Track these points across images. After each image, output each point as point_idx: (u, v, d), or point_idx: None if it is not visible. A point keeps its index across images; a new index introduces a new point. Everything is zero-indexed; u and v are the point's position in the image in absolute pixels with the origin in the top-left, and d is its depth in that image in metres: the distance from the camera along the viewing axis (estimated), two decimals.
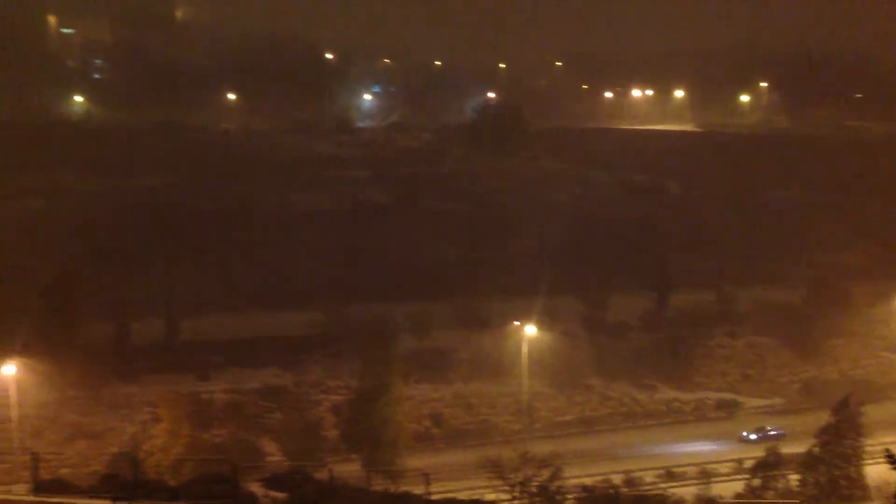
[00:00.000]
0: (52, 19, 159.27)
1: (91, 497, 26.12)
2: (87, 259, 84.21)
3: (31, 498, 25.37)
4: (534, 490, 33.03)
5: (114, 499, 22.92)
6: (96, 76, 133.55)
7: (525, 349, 66.46)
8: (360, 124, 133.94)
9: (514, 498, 26.06)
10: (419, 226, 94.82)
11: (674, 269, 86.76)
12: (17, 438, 59.82)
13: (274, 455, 62.69)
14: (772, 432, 71.37)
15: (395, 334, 74.45)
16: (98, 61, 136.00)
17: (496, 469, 33.04)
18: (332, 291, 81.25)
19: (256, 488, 31.12)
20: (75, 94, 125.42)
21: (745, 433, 72.57)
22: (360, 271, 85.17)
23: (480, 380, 74.63)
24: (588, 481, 42.53)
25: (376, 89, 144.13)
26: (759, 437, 70.29)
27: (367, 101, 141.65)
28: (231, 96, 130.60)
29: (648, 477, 58.08)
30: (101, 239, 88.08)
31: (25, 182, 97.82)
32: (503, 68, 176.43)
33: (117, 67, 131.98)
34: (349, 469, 55.86)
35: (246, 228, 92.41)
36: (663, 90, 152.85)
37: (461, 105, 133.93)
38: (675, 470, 61.72)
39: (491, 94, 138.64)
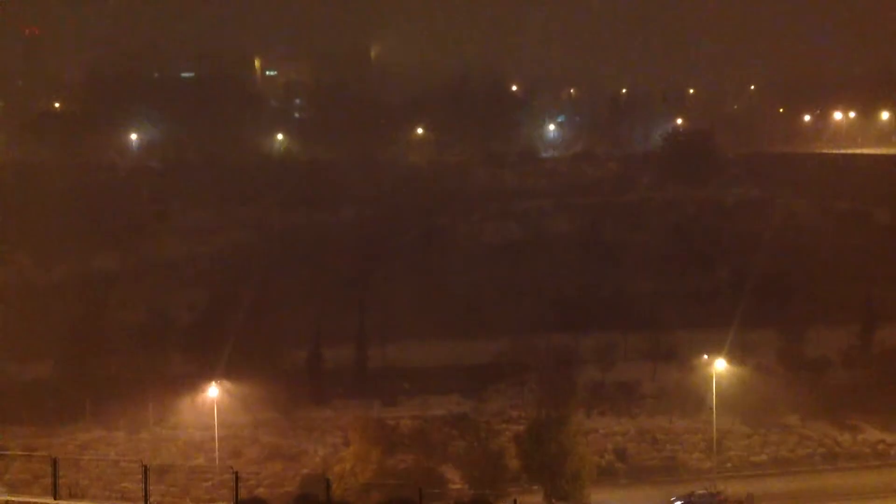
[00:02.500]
0: (257, 62, 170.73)
1: None
2: (287, 288, 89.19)
3: None
4: None
5: None
6: (297, 115, 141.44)
7: (715, 384, 63.88)
8: (545, 154, 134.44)
9: None
10: (605, 256, 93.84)
11: (880, 302, 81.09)
12: (218, 457, 63.58)
13: (456, 483, 63.22)
14: None
15: (578, 365, 73.78)
16: (298, 101, 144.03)
17: None
18: (519, 322, 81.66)
19: None
20: (278, 133, 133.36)
21: None
22: (545, 301, 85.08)
23: (667, 414, 72.34)
24: None
25: (561, 119, 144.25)
26: None
27: (552, 131, 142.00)
28: (420, 131, 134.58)
29: None
30: (300, 268, 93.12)
31: (233, 215, 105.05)
32: (692, 94, 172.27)
33: (316, 106, 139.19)
34: (530, 501, 55.57)
35: (436, 259, 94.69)
36: (867, 112, 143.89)
37: (648, 133, 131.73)
38: None
39: (679, 121, 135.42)
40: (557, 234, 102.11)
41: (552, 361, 74.36)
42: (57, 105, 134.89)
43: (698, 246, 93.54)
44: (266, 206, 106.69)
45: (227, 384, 66.94)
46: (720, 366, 64.96)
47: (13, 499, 27.57)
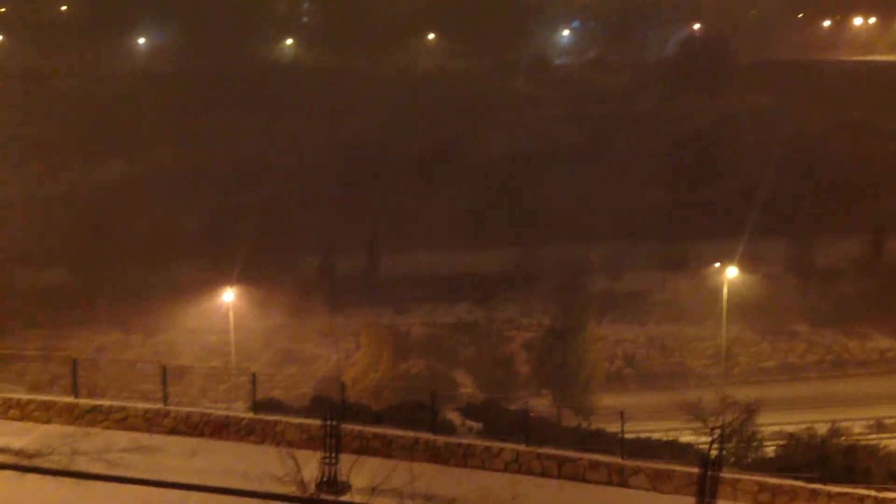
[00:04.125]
0: None
1: (303, 417, 27.74)
2: (296, 196, 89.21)
3: (250, 415, 27.27)
4: (731, 434, 32.17)
5: (323, 419, 24.23)
6: (304, 19, 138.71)
7: (725, 292, 64.15)
8: (558, 62, 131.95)
9: (711, 441, 25.39)
10: (616, 166, 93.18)
11: (892, 212, 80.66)
12: (235, 360, 64.71)
13: (467, 387, 64.37)
14: None
15: (588, 274, 74.10)
16: (307, 4, 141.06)
17: (693, 411, 32.31)
18: (530, 230, 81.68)
19: (453, 417, 32.14)
20: (286, 39, 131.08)
21: None
22: (556, 211, 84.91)
23: (676, 322, 72.97)
24: (790, 429, 40.83)
25: (575, 24, 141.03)
26: None
27: (565, 37, 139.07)
28: (431, 37, 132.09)
29: (857, 427, 54.96)
30: (308, 177, 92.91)
31: (239, 125, 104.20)
32: None
33: (324, 11, 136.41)
34: (540, 404, 56.58)
35: (445, 168, 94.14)
36: (890, 17, 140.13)
37: (663, 39, 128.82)
38: (887, 421, 58.12)
39: (695, 26, 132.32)
40: (568, 143, 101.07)
41: (562, 270, 74.61)
42: (63, 8, 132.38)
43: (709, 156, 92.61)
44: (273, 115, 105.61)
45: (241, 290, 67.55)
46: (731, 274, 65.08)
47: (34, 398, 28.10)
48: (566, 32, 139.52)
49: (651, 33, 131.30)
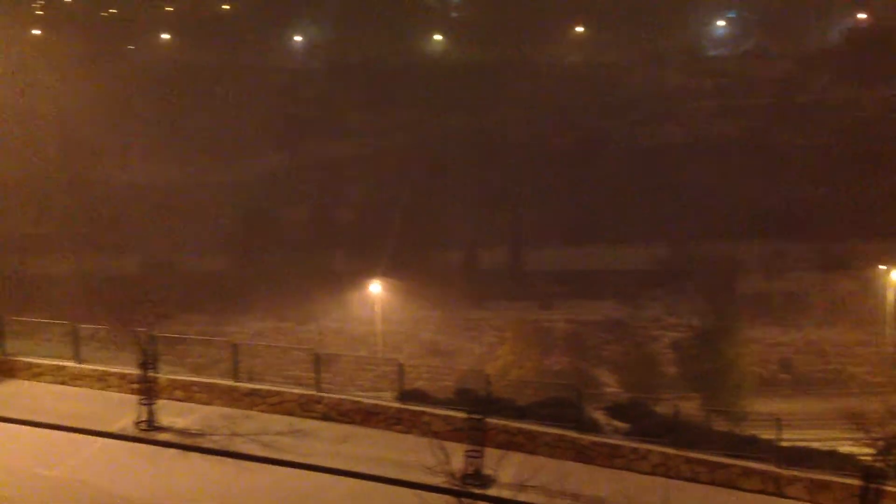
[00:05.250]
0: None
1: (448, 409, 27.92)
2: (443, 190, 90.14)
3: (398, 405, 27.69)
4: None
5: (469, 412, 24.30)
6: (454, 15, 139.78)
7: (891, 296, 60.49)
8: (713, 53, 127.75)
9: (875, 453, 23.95)
10: (773, 161, 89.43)
11: None
12: (381, 351, 66.09)
13: (611, 386, 63.39)
14: None
15: (742, 273, 71.49)
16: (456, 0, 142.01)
17: (855, 421, 30.56)
18: (678, 227, 79.57)
19: (598, 416, 31.67)
20: (435, 34, 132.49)
21: None
22: (707, 207, 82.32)
23: (836, 326, 69.46)
24: None
25: (731, 14, 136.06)
26: None
27: (720, 27, 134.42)
28: (580, 29, 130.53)
29: None
30: (455, 171, 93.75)
31: (389, 119, 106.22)
32: None
33: (474, 5, 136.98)
34: (687, 407, 54.98)
35: (592, 161, 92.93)
36: None
37: (826, 29, 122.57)
38: None
39: (861, 16, 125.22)
40: (722, 136, 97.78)
41: (714, 269, 72.30)
42: (226, 7, 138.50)
43: (874, 150, 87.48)
44: (423, 109, 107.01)
45: (388, 282, 68.89)
46: None
47: (197, 380, 29.41)
48: (721, 23, 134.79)
49: (812, 22, 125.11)
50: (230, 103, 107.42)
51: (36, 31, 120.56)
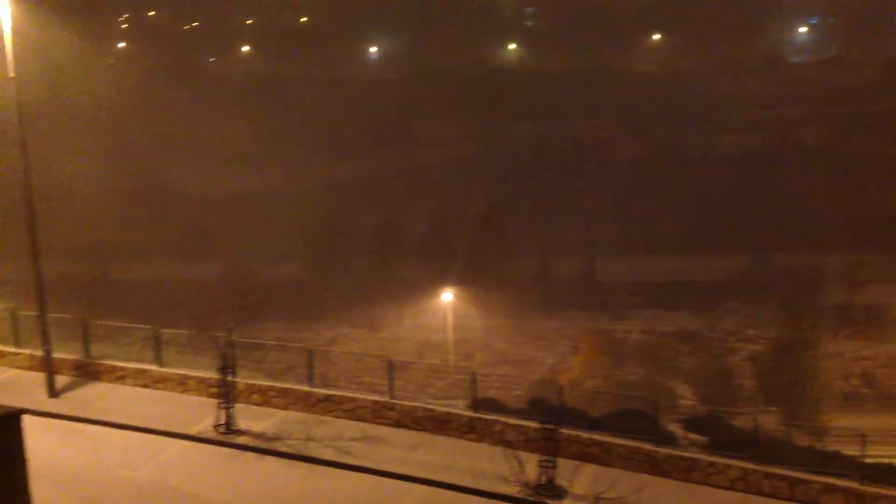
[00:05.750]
0: None
1: (520, 418, 27.81)
2: (511, 200, 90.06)
3: (470, 413, 27.67)
4: None
5: (542, 421, 24.17)
6: (529, 24, 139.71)
7: None
8: (794, 59, 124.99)
9: None
10: (855, 170, 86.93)
11: None
12: (452, 358, 66.19)
13: (686, 398, 62.28)
14: None
15: (824, 285, 69.59)
16: (530, 9, 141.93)
17: None
18: (756, 237, 77.96)
19: (674, 429, 31.14)
20: (510, 42, 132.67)
21: None
22: (788, 217, 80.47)
23: None
24: None
25: (812, 21, 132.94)
26: None
27: (802, 34, 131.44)
28: (656, 37, 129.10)
29: None
30: (527, 180, 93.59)
31: (460, 129, 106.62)
32: None
33: (548, 14, 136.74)
34: (766, 421, 53.66)
35: (667, 170, 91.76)
36: None
37: None
38: None
39: None
40: (804, 145, 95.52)
41: (794, 280, 70.52)
42: (304, 19, 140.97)
43: None
44: (495, 117, 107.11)
45: (460, 290, 69.01)
46: None
47: (274, 384, 29.86)
48: (803, 29, 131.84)
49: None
50: (306, 113, 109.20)
51: (121, 45, 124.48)
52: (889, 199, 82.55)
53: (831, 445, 37.00)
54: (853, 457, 27.43)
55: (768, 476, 25.34)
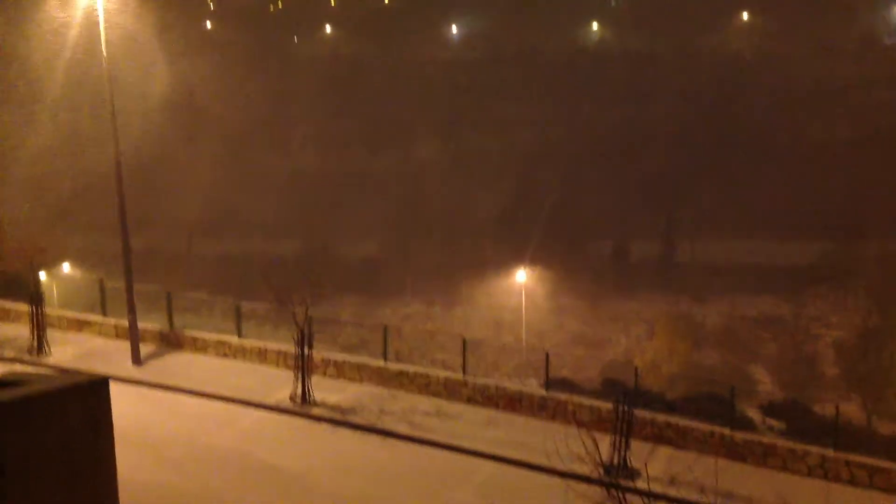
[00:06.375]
0: None
1: (594, 399, 27.69)
2: (597, 181, 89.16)
3: (543, 392, 27.68)
4: None
5: (616, 402, 24.02)
6: (613, 3, 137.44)
7: None
8: (890, 41, 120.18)
9: None
10: None
11: None
12: (525, 338, 66.11)
13: (765, 384, 61.03)
14: None
15: None
16: None
17: None
18: (847, 222, 75.63)
19: (752, 414, 30.60)
20: (593, 22, 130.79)
21: None
22: (877, 203, 77.81)
23: None
24: None
25: None
26: None
27: None
28: (745, 17, 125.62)
29: None
30: (609, 162, 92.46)
31: (542, 109, 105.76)
32: None
33: None
34: (848, 409, 52.34)
35: (755, 155, 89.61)
36: None
37: None
38: None
39: None
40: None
41: (883, 266, 68.24)
42: (387, 1, 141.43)
43: None
44: (577, 100, 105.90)
45: (534, 271, 68.81)
46: None
47: (349, 359, 30.34)
48: None
49: None
50: (388, 94, 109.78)
51: (207, 26, 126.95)
52: None
53: None
54: None
55: (848, 464, 24.72)
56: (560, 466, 23.08)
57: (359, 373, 29.40)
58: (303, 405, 26.80)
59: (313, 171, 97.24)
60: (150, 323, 32.53)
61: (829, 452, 24.97)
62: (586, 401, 27.64)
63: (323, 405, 26.89)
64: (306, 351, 26.92)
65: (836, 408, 27.01)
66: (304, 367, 26.92)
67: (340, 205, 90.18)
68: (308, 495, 21.36)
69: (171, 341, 32.04)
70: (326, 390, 27.90)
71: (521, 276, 67.60)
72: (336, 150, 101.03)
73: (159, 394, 27.77)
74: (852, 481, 24.56)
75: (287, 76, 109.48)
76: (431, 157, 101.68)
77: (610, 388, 31.93)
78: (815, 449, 25.10)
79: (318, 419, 26.09)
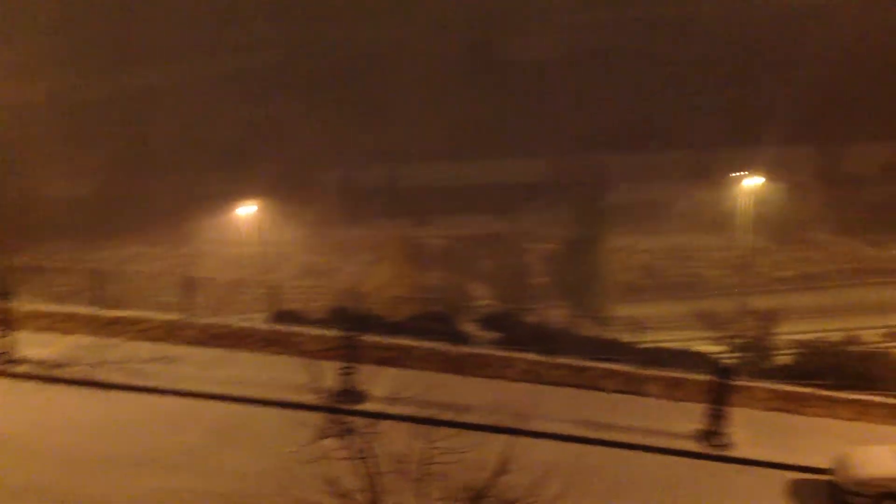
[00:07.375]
0: None
1: (322, 328, 28.02)
2: (318, 109, 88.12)
3: (269, 326, 27.62)
4: (747, 342, 32.32)
5: (342, 330, 24.49)
6: None
7: (746, 202, 63.55)
8: None
9: (725, 350, 25.56)
10: (650, 70, 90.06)
11: None
12: (255, 273, 65.19)
13: (485, 299, 64.74)
14: None
15: (609, 184, 73.49)
16: None
17: (709, 321, 32.45)
18: (557, 140, 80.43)
19: (471, 328, 32.42)
20: None
21: None
22: (585, 120, 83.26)
23: (696, 232, 72.60)
24: (807, 338, 40.84)
25: None
26: None
27: None
28: None
29: (873, 336, 54.84)
30: (324, 91, 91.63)
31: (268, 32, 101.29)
32: None
33: None
34: (557, 315, 56.93)
35: (468, 77, 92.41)
36: None
37: None
38: None
39: None
40: (603, 47, 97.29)
41: (585, 181, 74.16)
42: None
43: (741, 59, 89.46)
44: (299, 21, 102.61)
45: (264, 202, 67.65)
46: (753, 183, 64.30)
47: (58, 309, 28.52)
48: None
49: None
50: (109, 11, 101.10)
51: None
52: (685, 100, 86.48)
53: (613, 334, 39.87)
54: (631, 343, 29.75)
55: (555, 366, 27.01)
56: (288, 398, 23.33)
57: (70, 323, 27.68)
58: (5, 364, 24.86)
59: (11, 101, 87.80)
60: None
61: (537, 357, 27.15)
62: (313, 331, 27.95)
63: (30, 361, 25.12)
64: (6, 304, 24.87)
65: (542, 315, 29.32)
66: (3, 322, 24.89)
67: (50, 138, 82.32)
68: (27, 456, 20.06)
69: None
70: (35, 345, 26.02)
71: (251, 209, 66.16)
72: (44, 75, 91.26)
73: None
74: (559, 381, 26.92)
75: None
76: (157, 83, 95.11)
77: (337, 316, 32.38)
78: (524, 355, 27.17)
79: (25, 377, 24.36)
